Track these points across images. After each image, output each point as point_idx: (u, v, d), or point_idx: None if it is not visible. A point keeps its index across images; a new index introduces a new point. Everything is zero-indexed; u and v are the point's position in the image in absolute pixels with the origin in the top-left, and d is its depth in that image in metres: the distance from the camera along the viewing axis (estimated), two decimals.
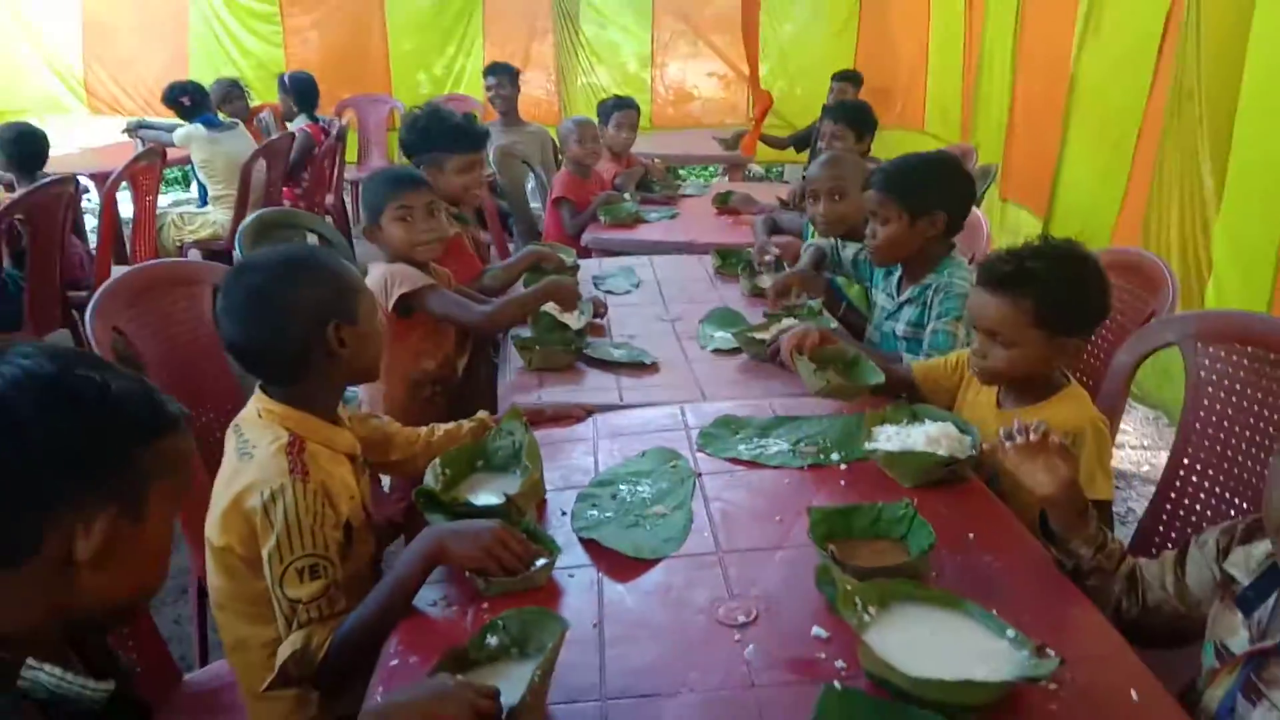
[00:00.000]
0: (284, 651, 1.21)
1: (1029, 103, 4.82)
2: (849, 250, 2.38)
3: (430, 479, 1.48)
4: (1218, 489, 1.69)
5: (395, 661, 1.15)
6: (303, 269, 1.39)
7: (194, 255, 4.45)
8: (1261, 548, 1.07)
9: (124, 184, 3.85)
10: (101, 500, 0.80)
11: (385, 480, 2.23)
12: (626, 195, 3.98)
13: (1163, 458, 1.47)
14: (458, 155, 2.59)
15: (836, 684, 1.03)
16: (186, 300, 2.21)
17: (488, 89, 5.00)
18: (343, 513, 1.34)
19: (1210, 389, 1.74)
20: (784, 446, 1.63)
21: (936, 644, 1.06)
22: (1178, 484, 1.74)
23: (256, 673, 1.29)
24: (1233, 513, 1.65)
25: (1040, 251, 1.55)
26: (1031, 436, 1.29)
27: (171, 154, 4.58)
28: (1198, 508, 1.72)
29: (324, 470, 1.32)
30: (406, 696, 0.96)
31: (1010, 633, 1.06)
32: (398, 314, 2.22)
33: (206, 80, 5.27)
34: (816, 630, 1.15)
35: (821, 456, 1.59)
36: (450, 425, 1.75)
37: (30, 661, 0.79)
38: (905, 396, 1.82)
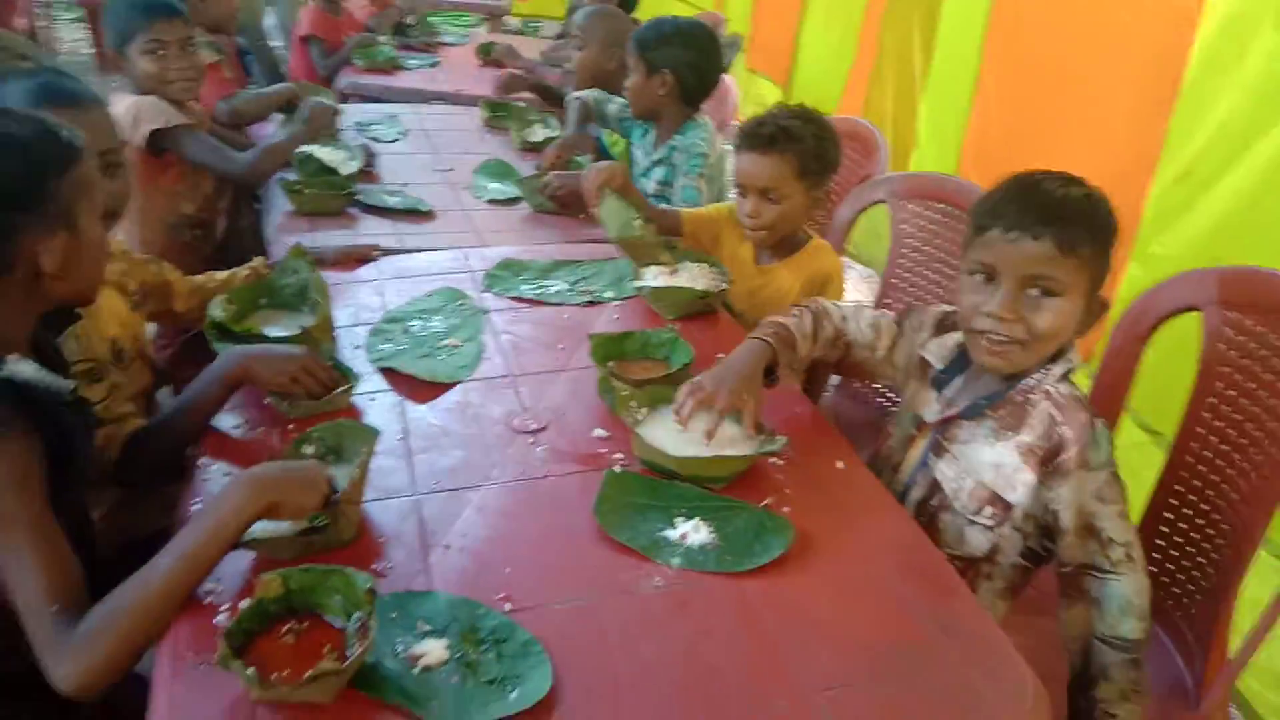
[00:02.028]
0: None
1: None
2: (613, 106, 2.49)
3: (217, 312, 1.49)
4: None
5: (208, 477, 1.22)
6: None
7: None
8: (953, 338, 1.35)
9: None
10: (49, 224, 1.01)
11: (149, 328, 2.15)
12: (381, 38, 3.82)
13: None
14: None
15: (616, 468, 1.25)
16: None
17: None
18: (107, 333, 1.36)
19: (908, 240, 2.11)
20: (563, 286, 1.79)
21: (692, 434, 1.29)
22: None
23: None
24: None
25: (791, 114, 1.75)
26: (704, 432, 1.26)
27: None
28: None
29: None
30: (274, 466, 1.06)
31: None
32: (150, 151, 2.09)
33: None
34: (598, 431, 1.36)
35: (596, 294, 1.77)
36: (224, 273, 1.73)
37: (9, 358, 1.00)
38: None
